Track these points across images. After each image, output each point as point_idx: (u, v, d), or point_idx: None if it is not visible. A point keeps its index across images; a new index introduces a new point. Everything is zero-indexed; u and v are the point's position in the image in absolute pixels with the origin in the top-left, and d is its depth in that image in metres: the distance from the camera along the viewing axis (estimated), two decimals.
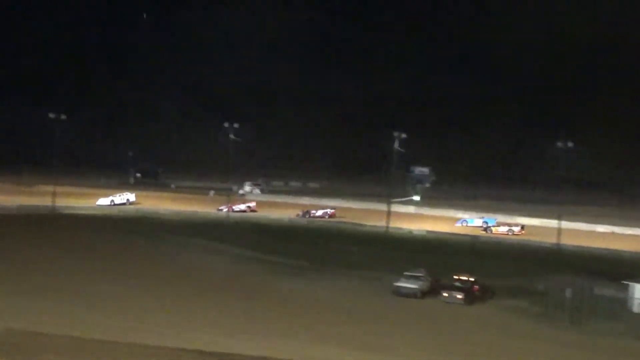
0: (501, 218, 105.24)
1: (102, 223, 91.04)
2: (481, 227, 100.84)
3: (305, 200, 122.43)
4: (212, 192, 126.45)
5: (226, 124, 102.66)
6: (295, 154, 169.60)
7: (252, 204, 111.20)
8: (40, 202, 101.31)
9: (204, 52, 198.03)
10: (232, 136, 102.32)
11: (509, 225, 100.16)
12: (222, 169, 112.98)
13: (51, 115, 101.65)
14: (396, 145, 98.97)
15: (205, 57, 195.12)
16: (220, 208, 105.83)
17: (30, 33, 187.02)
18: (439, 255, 74.63)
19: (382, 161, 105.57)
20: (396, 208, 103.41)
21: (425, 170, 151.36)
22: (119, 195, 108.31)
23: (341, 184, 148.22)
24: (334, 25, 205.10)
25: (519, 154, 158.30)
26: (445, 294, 56.67)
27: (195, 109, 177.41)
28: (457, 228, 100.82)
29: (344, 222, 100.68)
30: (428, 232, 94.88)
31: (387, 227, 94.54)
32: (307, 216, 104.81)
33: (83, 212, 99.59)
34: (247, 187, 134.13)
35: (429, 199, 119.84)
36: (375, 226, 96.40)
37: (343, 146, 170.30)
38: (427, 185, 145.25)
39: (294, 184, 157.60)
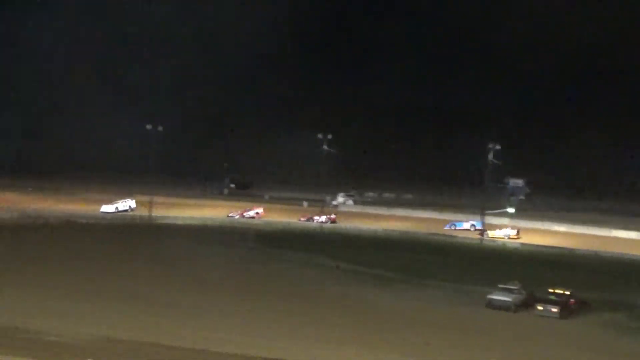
0: (495, 222, 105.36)
1: (197, 233, 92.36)
2: (470, 229, 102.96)
3: (399, 212, 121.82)
4: (305, 203, 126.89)
5: (320, 135, 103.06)
6: (389, 165, 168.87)
7: (333, 216, 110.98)
8: (137, 211, 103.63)
9: (295, 65, 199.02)
10: (325, 147, 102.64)
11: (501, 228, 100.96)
12: (316, 180, 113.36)
13: (148, 127, 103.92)
14: (491, 156, 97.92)
15: (295, 69, 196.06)
16: (301, 218, 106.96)
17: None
18: (532, 268, 73.49)
19: (476, 173, 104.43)
20: (490, 220, 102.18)
21: (519, 182, 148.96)
22: (122, 202, 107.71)
23: (435, 196, 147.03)
24: (428, 36, 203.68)
25: (618, 165, 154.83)
26: (539, 307, 55.68)
27: (290, 121, 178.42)
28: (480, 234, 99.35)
29: (436, 234, 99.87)
30: (522, 244, 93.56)
31: (481, 239, 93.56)
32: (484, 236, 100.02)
33: (178, 222, 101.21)
34: (340, 198, 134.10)
35: (523, 211, 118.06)
36: (468, 238, 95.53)
37: (438, 157, 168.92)
38: (522, 197, 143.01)
39: (388, 195, 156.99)
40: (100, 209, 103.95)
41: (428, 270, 71.40)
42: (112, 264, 66.09)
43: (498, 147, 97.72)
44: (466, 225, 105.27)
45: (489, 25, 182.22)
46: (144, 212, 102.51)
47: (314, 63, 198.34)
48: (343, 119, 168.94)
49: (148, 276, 61.85)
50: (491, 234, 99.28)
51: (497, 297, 56.84)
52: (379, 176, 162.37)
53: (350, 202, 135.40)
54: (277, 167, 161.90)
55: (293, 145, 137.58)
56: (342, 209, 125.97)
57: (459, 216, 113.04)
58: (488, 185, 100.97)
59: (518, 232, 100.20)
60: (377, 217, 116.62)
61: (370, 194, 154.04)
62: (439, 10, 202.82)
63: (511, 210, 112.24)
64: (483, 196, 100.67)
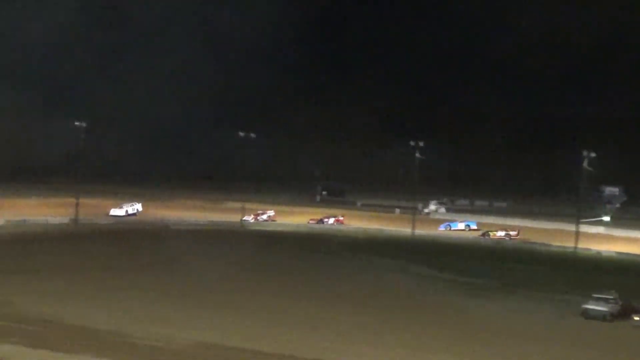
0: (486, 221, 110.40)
1: (286, 239, 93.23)
2: (465, 230, 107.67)
3: (490, 220, 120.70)
4: (397, 210, 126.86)
5: (412, 142, 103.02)
6: (481, 173, 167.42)
7: (341, 218, 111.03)
8: (230, 217, 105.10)
9: (389, 74, 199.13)
10: (418, 155, 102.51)
11: (505, 229, 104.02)
12: (408, 188, 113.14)
13: (241, 134, 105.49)
14: (585, 164, 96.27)
15: (388, 77, 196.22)
16: (310, 221, 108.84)
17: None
18: (629, 278, 71.91)
19: (570, 180, 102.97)
20: (584, 229, 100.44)
21: (615, 189, 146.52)
22: (130, 205, 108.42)
23: (528, 204, 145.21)
24: (530, 48, 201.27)
25: None
26: (636, 318, 54.54)
27: (381, 127, 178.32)
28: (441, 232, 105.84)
29: (530, 242, 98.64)
30: (618, 253, 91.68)
31: (575, 248, 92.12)
32: (486, 236, 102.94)
33: (269, 228, 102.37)
34: (432, 206, 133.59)
35: (620, 220, 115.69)
36: (562, 247, 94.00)
37: (531, 165, 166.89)
38: (618, 205, 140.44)
39: (480, 203, 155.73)
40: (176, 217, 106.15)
41: (521, 278, 70.59)
42: (206, 269, 67.01)
43: (593, 154, 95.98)
44: (461, 226, 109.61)
45: (584, 33, 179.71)
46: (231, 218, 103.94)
47: (408, 71, 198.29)
48: (437, 126, 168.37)
49: (239, 281, 62.66)
50: (492, 233, 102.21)
51: (592, 306, 55.77)
52: (471, 184, 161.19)
53: (442, 209, 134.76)
54: (371, 175, 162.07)
55: (386, 152, 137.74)
56: (435, 216, 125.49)
57: (555, 224, 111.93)
58: (583, 193, 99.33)
59: (518, 233, 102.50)
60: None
61: (463, 201, 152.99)
62: (542, 23, 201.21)
63: (607, 218, 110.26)
64: (578, 204, 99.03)
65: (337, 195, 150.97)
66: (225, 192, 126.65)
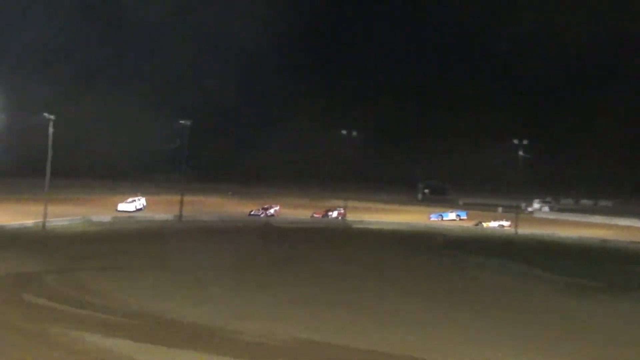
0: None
1: (388, 238, 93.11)
2: (456, 219, 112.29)
3: (597, 219, 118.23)
4: (500, 209, 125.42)
5: (515, 141, 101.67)
6: (586, 172, 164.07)
7: (342, 210, 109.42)
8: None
9: (492, 72, 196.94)
10: (521, 153, 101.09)
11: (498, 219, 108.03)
12: (511, 187, 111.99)
13: (343, 132, 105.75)
14: None
15: (491, 76, 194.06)
16: (315, 214, 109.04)
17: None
18: None
19: None
20: None
21: None
22: (137, 200, 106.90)
23: (634, 203, 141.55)
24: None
25: None
26: None
27: (486, 127, 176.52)
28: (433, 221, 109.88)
29: (636, 242, 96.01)
30: None
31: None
32: (479, 225, 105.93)
33: (372, 226, 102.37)
34: (535, 205, 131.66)
35: None
36: None
37: (638, 163, 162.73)
38: None
39: (585, 202, 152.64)
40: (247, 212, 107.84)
41: (631, 281, 68.83)
42: (312, 266, 67.40)
43: None
44: (452, 216, 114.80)
45: None
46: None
47: (510, 70, 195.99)
48: (540, 124, 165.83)
49: (346, 279, 62.71)
50: (485, 224, 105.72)
51: None
52: (576, 183, 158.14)
53: (546, 208, 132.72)
54: (473, 174, 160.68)
55: (489, 151, 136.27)
56: (538, 215, 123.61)
57: None
58: None
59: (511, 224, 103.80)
60: (574, 224, 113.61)
61: (567, 200, 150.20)
62: None
63: None
64: None
65: (439, 193, 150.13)
66: (329, 190, 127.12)
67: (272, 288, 56.27)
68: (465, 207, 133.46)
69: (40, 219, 79.66)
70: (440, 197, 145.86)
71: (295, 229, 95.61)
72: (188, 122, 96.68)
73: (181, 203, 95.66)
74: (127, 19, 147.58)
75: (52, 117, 79.59)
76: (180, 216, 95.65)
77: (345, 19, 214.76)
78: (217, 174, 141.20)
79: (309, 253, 76.27)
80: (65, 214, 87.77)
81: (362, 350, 39.25)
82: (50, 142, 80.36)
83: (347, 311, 49.14)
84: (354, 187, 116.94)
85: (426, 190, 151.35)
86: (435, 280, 66.23)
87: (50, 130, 79.97)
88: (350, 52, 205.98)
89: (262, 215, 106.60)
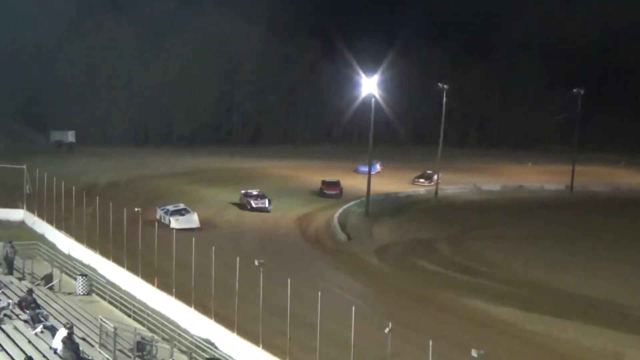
0: None
1: None
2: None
3: None
4: None
5: None
6: None
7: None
8: None
9: None
10: None
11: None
12: None
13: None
14: None
15: None
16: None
17: None
18: None
19: None
20: None
21: None
22: None
23: None
24: None
25: None
26: None
27: None
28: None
29: None
30: None
31: None
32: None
33: None
34: None
35: None
36: None
37: None
38: None
39: None
40: None
41: None
42: None
43: None
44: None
45: None
46: None
47: None
48: None
49: None
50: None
51: None
52: None
53: None
54: None
55: None
56: None
57: None
58: None
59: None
60: None
61: None
62: None
63: None
64: None
65: None
66: None
67: None
68: None
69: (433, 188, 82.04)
70: None
71: None
72: (581, 91, 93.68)
73: (572, 173, 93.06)
74: None
75: (445, 87, 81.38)
76: (571, 187, 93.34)
77: None
78: (604, 142, 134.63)
79: None
80: (457, 182, 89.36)
81: None
82: (443, 111, 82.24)
83: None
84: None
85: None
86: None
87: (444, 99, 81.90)
88: None
89: None
